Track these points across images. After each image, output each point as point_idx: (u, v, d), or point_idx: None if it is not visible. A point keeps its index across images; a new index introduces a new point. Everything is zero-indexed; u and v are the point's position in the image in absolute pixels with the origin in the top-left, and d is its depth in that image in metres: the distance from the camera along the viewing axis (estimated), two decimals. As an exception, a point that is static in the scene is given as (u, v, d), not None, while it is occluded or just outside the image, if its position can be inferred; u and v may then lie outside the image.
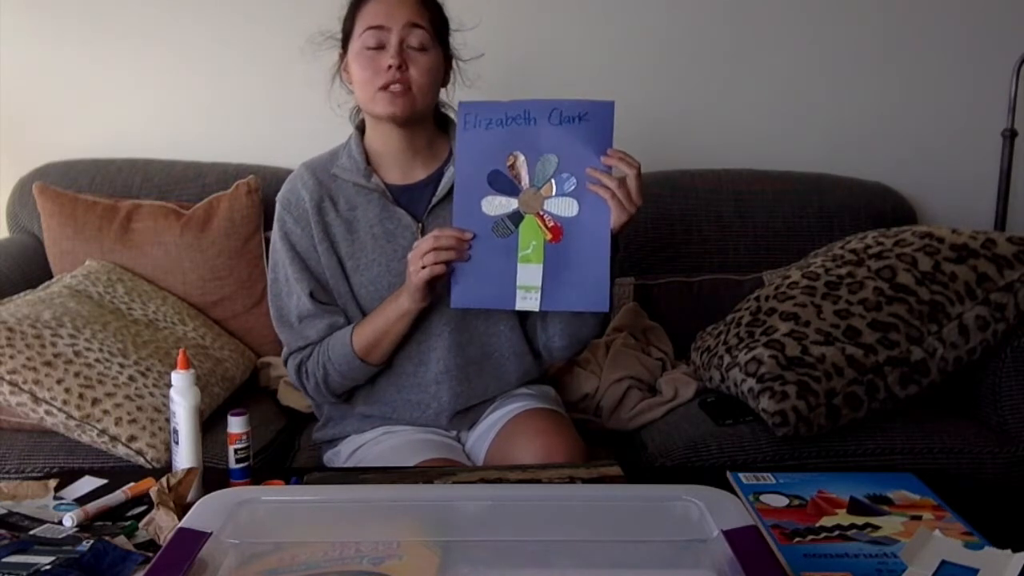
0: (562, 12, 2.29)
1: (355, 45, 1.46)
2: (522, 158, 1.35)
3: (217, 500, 1.00)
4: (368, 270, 1.51)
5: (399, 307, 1.43)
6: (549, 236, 1.36)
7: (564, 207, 1.35)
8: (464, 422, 1.57)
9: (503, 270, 1.36)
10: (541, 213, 1.36)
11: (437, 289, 1.41)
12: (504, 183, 1.36)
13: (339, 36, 1.53)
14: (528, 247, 1.36)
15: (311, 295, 1.51)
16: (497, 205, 1.36)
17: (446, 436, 1.56)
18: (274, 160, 2.25)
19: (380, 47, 1.43)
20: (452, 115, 1.56)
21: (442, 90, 1.53)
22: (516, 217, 1.36)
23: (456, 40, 1.55)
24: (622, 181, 1.34)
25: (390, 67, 1.41)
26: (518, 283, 1.36)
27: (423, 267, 1.35)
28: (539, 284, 1.36)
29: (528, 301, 1.37)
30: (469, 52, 1.58)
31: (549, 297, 1.37)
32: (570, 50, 2.30)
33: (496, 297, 1.38)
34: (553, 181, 1.35)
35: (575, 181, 1.35)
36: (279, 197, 1.56)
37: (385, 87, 1.42)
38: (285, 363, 1.58)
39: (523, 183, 1.36)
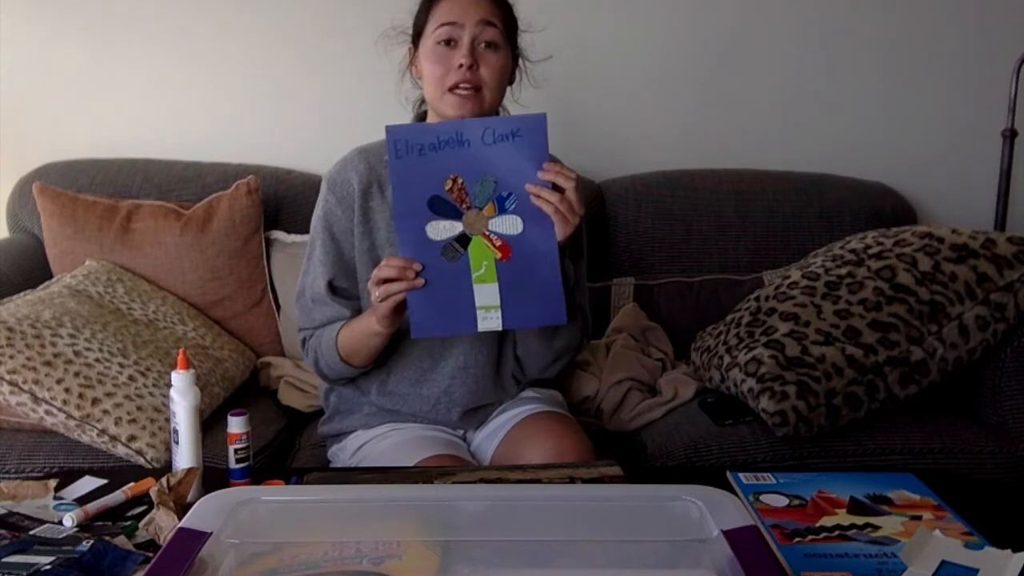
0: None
1: (427, 41, 1.46)
2: (461, 180, 1.32)
3: (217, 500, 1.00)
4: None
5: (371, 326, 1.41)
6: (499, 255, 1.33)
7: (508, 225, 1.33)
8: (473, 421, 1.57)
9: (460, 294, 1.34)
10: (487, 233, 1.33)
11: (405, 314, 1.39)
12: (445, 207, 1.32)
13: (410, 31, 1.53)
14: (481, 267, 1.34)
15: (329, 283, 1.51)
16: (442, 229, 1.33)
17: (452, 434, 1.57)
18: (274, 160, 2.25)
19: (452, 43, 1.43)
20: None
21: (508, 88, 1.53)
22: (463, 239, 1.33)
23: (524, 41, 1.55)
24: (562, 194, 1.31)
25: (461, 66, 1.41)
26: (477, 304, 1.34)
27: (380, 300, 1.34)
28: (498, 303, 1.34)
29: (489, 321, 1.34)
30: (537, 53, 1.58)
31: (509, 315, 1.34)
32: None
33: (457, 322, 1.35)
34: (494, 201, 1.33)
35: (516, 199, 1.33)
36: (326, 176, 1.55)
37: (454, 87, 1.42)
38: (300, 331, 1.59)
39: (465, 205, 1.33)
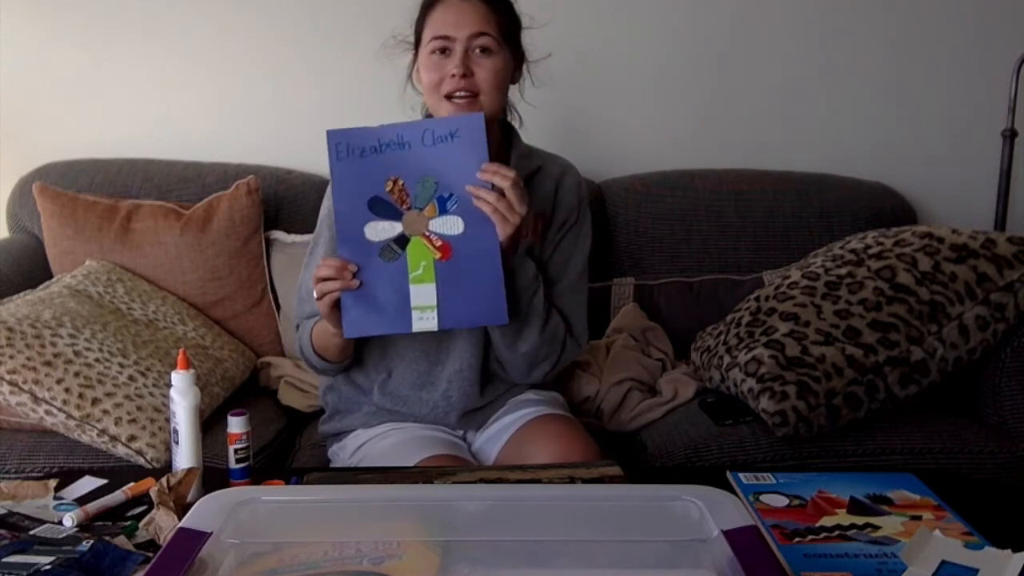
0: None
1: (424, 50, 1.47)
2: (401, 182, 1.33)
3: (217, 500, 1.00)
4: None
5: (326, 326, 1.42)
6: (438, 255, 1.34)
7: (449, 226, 1.34)
8: (472, 423, 1.57)
9: (395, 294, 1.34)
10: (427, 233, 1.34)
11: None
12: (385, 208, 1.33)
13: (411, 39, 1.53)
14: (419, 267, 1.34)
15: None
16: (381, 230, 1.33)
17: (452, 434, 1.57)
18: (274, 160, 2.25)
19: (447, 52, 1.44)
20: (514, 120, 1.58)
21: (512, 87, 1.53)
22: (402, 240, 1.34)
23: (527, 38, 1.54)
24: (501, 194, 1.31)
25: (454, 75, 1.41)
26: (412, 304, 1.34)
27: (318, 298, 1.35)
28: (434, 303, 1.34)
29: (425, 321, 1.34)
30: (537, 52, 1.57)
31: (446, 315, 1.34)
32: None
33: (391, 321, 1.35)
34: (435, 202, 1.33)
35: (457, 199, 1.33)
36: None
37: (450, 96, 1.43)
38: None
39: (406, 206, 1.34)
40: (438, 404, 1.54)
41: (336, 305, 1.35)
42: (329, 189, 1.53)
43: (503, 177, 1.31)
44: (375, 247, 1.34)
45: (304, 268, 1.57)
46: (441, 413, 1.54)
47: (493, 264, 1.34)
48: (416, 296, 1.34)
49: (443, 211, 1.34)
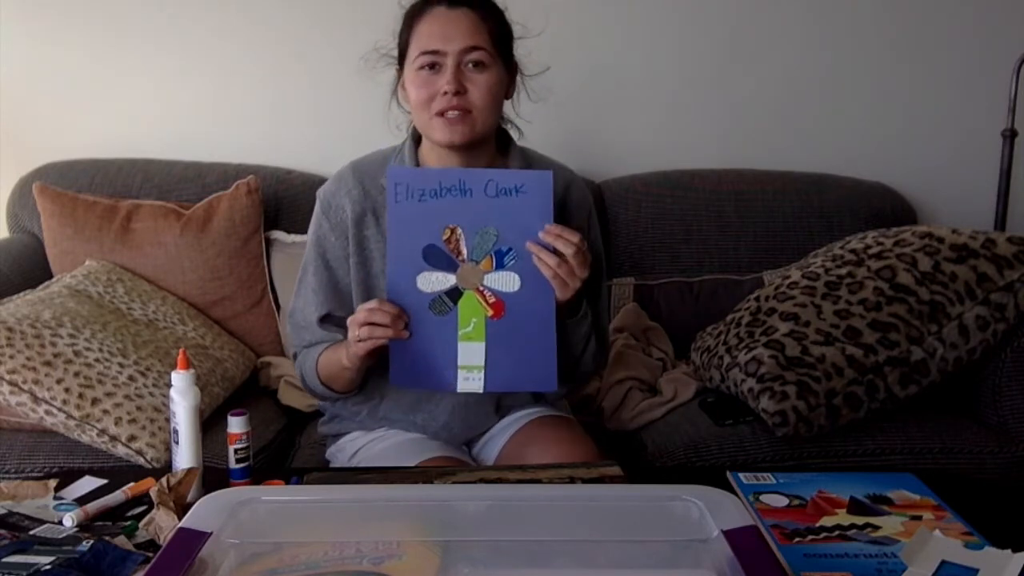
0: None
1: (411, 66, 1.38)
2: (460, 231, 1.27)
3: (217, 500, 1.00)
4: None
5: (341, 360, 1.37)
6: (490, 312, 1.28)
7: (505, 282, 1.28)
8: (474, 439, 1.56)
9: (442, 350, 1.28)
10: (481, 288, 1.28)
11: (376, 358, 1.35)
12: (440, 258, 1.28)
13: (395, 53, 1.44)
14: (469, 324, 1.28)
15: (320, 318, 1.46)
16: (434, 281, 1.28)
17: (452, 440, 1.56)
18: (274, 160, 2.25)
19: (437, 68, 1.35)
20: (513, 133, 1.51)
21: (507, 102, 1.45)
22: (455, 293, 1.28)
23: (521, 49, 1.46)
24: (563, 258, 1.26)
25: (446, 93, 1.33)
26: (460, 363, 1.29)
27: (359, 339, 1.29)
28: (482, 363, 1.28)
29: (471, 382, 1.29)
30: (534, 59, 1.48)
31: (493, 376, 1.29)
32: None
33: (436, 379, 1.30)
34: (492, 255, 1.27)
35: (515, 255, 1.27)
36: (321, 194, 1.48)
37: (442, 113, 1.35)
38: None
39: (461, 257, 1.28)
40: (438, 434, 1.51)
41: (375, 350, 1.30)
42: (317, 209, 1.47)
43: (566, 243, 1.25)
44: (426, 298, 1.28)
45: (296, 296, 1.50)
46: (443, 438, 1.52)
47: (547, 328, 1.28)
48: (464, 355, 1.29)
49: (500, 266, 1.28)
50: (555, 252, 1.26)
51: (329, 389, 1.46)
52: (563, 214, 1.47)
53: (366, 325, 1.28)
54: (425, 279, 1.28)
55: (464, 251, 1.28)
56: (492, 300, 1.28)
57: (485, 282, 1.28)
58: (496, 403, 1.53)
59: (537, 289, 1.28)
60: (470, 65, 1.35)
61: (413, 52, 1.37)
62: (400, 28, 1.42)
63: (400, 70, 1.44)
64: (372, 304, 1.29)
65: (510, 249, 1.27)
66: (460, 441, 1.54)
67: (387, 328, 1.27)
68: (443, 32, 1.35)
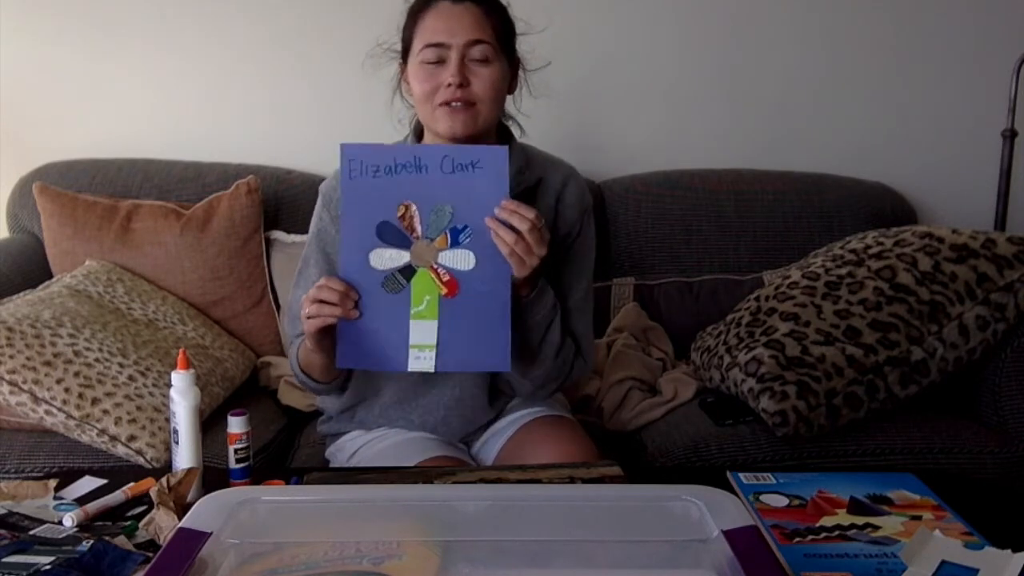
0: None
1: (414, 60, 1.39)
2: (414, 208, 1.25)
3: (217, 500, 1.00)
4: None
5: (307, 343, 1.35)
6: (444, 291, 1.26)
7: (460, 260, 1.25)
8: (472, 436, 1.56)
9: (394, 328, 1.26)
10: (435, 266, 1.26)
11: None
12: (394, 235, 1.25)
13: (397, 48, 1.46)
14: (422, 303, 1.26)
15: None
16: (387, 259, 1.25)
17: (452, 439, 1.56)
18: (274, 160, 2.25)
19: (440, 62, 1.36)
20: (514, 128, 1.51)
21: (508, 98, 1.45)
22: (408, 271, 1.26)
23: (523, 45, 1.47)
24: (520, 235, 1.24)
25: (450, 85, 1.34)
26: (411, 342, 1.26)
27: (307, 317, 1.27)
28: (434, 342, 1.26)
29: (422, 361, 1.26)
30: (536, 56, 1.49)
31: (445, 356, 1.26)
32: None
33: (386, 358, 1.27)
34: (448, 232, 1.25)
35: (471, 233, 1.25)
36: (322, 189, 1.49)
37: (446, 104, 1.35)
38: None
39: (415, 234, 1.26)
40: (436, 429, 1.52)
41: (325, 329, 1.28)
42: (319, 203, 1.48)
43: (521, 219, 1.24)
44: (379, 276, 1.26)
45: (294, 287, 1.50)
46: (442, 432, 1.53)
47: (502, 307, 1.26)
48: (416, 333, 1.26)
49: (455, 243, 1.26)
50: (512, 229, 1.25)
51: (309, 378, 1.45)
52: (556, 208, 1.47)
53: (315, 303, 1.27)
54: (378, 256, 1.26)
55: (419, 228, 1.26)
56: (446, 278, 1.27)
57: (439, 260, 1.26)
58: (488, 396, 1.52)
59: (492, 267, 1.26)
60: (474, 59, 1.36)
61: (417, 46, 1.38)
62: (404, 23, 1.43)
63: (403, 65, 1.44)
64: (322, 281, 1.28)
65: (465, 227, 1.26)
66: (459, 437, 1.54)
67: (335, 307, 1.25)
68: (447, 26, 1.36)
